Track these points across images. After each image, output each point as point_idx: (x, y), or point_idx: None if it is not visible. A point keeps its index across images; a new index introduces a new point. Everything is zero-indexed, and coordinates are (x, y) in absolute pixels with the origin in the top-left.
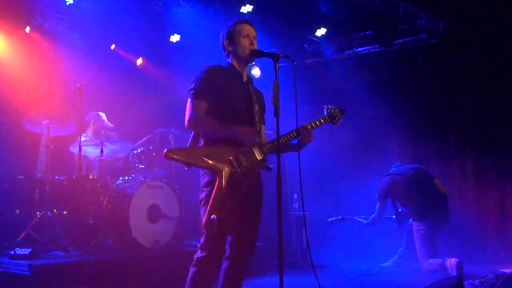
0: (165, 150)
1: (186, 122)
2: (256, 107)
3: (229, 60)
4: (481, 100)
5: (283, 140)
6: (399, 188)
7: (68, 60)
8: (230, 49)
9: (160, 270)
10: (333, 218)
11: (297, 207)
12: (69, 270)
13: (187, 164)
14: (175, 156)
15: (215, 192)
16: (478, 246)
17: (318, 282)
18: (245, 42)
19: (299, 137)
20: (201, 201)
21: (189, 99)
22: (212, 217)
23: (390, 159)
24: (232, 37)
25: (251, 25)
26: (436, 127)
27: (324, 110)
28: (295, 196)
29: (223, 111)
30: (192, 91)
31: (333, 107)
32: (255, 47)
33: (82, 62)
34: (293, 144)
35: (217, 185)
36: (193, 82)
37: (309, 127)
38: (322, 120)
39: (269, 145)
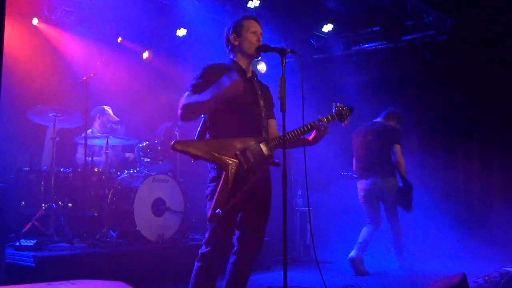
0: (172, 142)
1: (178, 114)
2: (262, 102)
3: (232, 56)
4: (488, 97)
5: (292, 135)
6: (357, 135)
7: (75, 53)
8: (236, 43)
9: (164, 264)
10: (346, 173)
11: (301, 202)
12: (73, 262)
13: (194, 156)
14: (182, 148)
15: (220, 187)
16: (483, 243)
17: (322, 277)
18: (252, 38)
19: (311, 132)
20: (207, 196)
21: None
22: (217, 211)
23: None
24: (239, 32)
25: (258, 22)
26: (443, 123)
27: (333, 108)
28: (299, 191)
29: (228, 108)
30: (190, 88)
31: (341, 105)
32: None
33: (89, 54)
34: (305, 138)
35: (223, 179)
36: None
37: (326, 120)
38: (330, 118)
39: (276, 141)
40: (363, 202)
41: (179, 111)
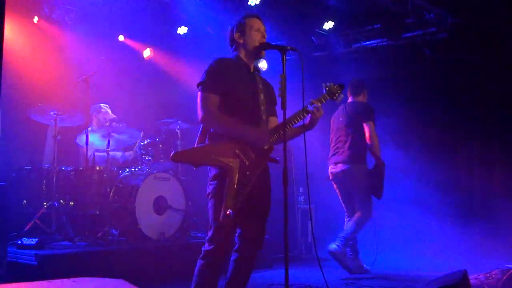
0: (172, 154)
1: (200, 118)
2: (262, 96)
3: (237, 53)
4: (488, 96)
5: (290, 126)
6: (332, 120)
7: (76, 51)
8: (241, 41)
9: (166, 262)
10: None
11: (302, 200)
12: (75, 260)
13: (194, 164)
14: (182, 159)
15: (227, 188)
16: (484, 240)
17: (324, 275)
18: (257, 35)
19: (306, 117)
20: (208, 194)
21: (199, 93)
22: (228, 212)
23: (395, 151)
24: (243, 31)
25: (260, 19)
26: (443, 120)
27: (323, 89)
28: (301, 189)
29: (229, 101)
30: (202, 85)
31: (331, 84)
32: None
33: (90, 53)
34: (302, 125)
35: (228, 181)
36: (202, 76)
37: (318, 102)
38: (322, 100)
39: (275, 135)
40: (335, 188)
41: (206, 121)
